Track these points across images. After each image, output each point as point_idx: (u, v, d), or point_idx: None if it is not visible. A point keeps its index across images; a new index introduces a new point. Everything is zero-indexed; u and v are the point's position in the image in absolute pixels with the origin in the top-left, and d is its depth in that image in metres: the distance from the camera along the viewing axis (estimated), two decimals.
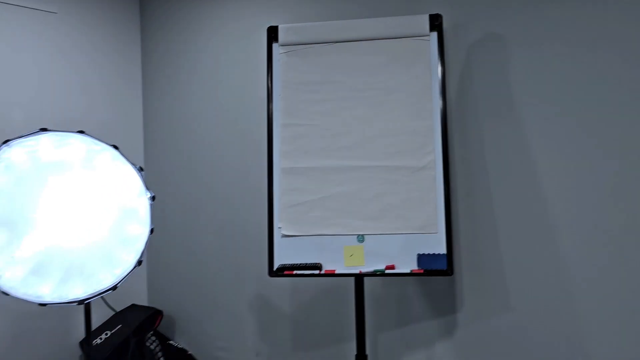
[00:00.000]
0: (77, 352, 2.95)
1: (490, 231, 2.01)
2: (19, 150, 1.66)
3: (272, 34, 2.05)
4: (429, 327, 2.17)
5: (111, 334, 2.87)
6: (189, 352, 3.04)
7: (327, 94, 2.00)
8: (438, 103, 1.92)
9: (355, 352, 2.00)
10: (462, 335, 2.09)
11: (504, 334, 1.99)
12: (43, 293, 1.68)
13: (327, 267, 1.95)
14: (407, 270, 1.88)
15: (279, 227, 1.98)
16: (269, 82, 2.03)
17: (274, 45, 2.05)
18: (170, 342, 3.05)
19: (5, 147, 1.63)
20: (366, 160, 1.96)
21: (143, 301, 3.31)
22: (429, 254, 1.89)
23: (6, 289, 1.65)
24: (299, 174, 1.99)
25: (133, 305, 3.12)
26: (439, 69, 1.93)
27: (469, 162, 2.06)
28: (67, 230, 1.70)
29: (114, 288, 1.70)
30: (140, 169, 1.72)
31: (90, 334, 1.81)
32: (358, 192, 1.95)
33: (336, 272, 1.93)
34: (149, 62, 3.24)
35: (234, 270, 2.82)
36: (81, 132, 1.67)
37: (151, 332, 2.96)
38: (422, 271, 1.87)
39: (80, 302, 1.70)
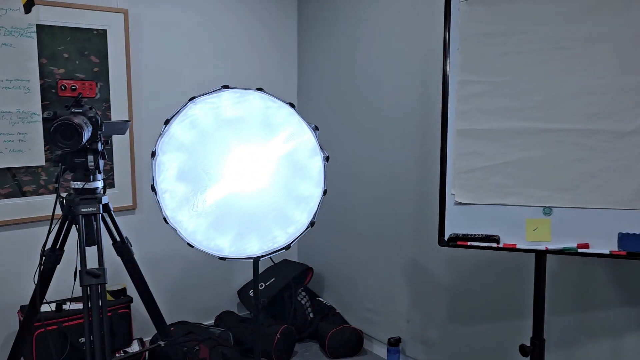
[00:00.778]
0: (235, 299, 3.14)
1: None
2: (203, 106, 1.70)
3: None
4: (618, 316, 1.90)
5: (266, 285, 3.00)
6: (337, 310, 3.08)
7: (513, 46, 1.77)
8: None
9: (530, 335, 1.82)
10: None
11: None
12: (222, 246, 1.74)
13: (504, 240, 1.77)
14: (605, 251, 1.64)
15: (452, 194, 1.84)
16: (446, 34, 1.84)
17: None
18: (319, 298, 3.12)
19: (191, 104, 1.68)
20: (557, 123, 1.71)
21: (293, 257, 3.41)
22: (634, 234, 1.61)
23: (190, 241, 1.74)
24: (477, 136, 1.80)
25: (285, 260, 3.23)
26: None
27: None
28: (245, 186, 1.73)
29: (287, 247, 1.71)
30: (316, 128, 1.67)
31: (257, 285, 1.86)
32: (546, 158, 1.72)
33: (517, 246, 1.75)
34: (305, 16, 3.20)
35: (390, 234, 2.74)
36: (260, 89, 1.65)
37: (302, 288, 3.04)
38: (624, 253, 1.61)
39: (256, 258, 1.73)
